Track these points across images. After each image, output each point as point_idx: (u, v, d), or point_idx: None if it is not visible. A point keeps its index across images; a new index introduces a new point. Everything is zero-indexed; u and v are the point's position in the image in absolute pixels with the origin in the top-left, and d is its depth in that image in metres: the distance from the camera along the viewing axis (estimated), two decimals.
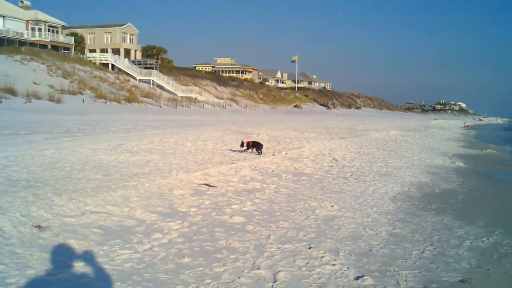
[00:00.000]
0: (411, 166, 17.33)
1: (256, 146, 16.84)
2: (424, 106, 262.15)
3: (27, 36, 67.87)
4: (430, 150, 23.74)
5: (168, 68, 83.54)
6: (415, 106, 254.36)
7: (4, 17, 66.28)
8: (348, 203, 10.54)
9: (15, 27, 66.84)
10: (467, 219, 9.74)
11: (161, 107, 55.88)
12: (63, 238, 6.50)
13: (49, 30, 70.80)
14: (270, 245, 7.13)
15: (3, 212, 6.95)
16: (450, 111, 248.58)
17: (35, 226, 6.73)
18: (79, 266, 5.73)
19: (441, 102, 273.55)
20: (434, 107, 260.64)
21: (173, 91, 68.32)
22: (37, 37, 68.70)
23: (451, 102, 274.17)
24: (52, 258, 5.82)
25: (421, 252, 7.38)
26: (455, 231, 8.77)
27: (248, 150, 16.74)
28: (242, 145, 16.76)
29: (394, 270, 6.49)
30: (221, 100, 75.40)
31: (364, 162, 17.41)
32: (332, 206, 10.12)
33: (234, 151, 16.85)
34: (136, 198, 9.05)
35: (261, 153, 16.67)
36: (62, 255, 5.97)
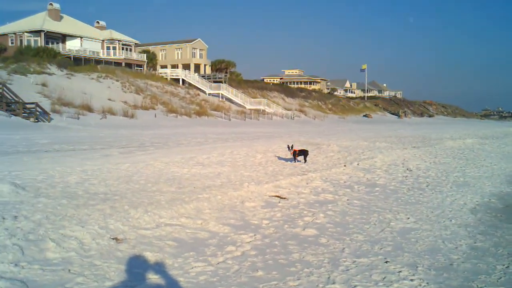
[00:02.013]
0: (490, 176, 16.52)
1: (303, 154, 17.08)
2: (502, 112, 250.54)
3: (102, 54, 71.04)
4: (511, 159, 22.60)
5: (237, 82, 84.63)
6: (492, 113, 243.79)
7: (81, 37, 69.67)
8: (424, 215, 10.14)
9: (91, 47, 70.10)
10: None
11: (230, 119, 56.62)
12: (139, 250, 6.62)
13: (122, 48, 73.69)
14: (344, 259, 6.95)
15: (83, 224, 7.17)
16: None
17: (113, 239, 6.90)
18: (155, 278, 5.80)
19: None
20: None
21: (242, 104, 69.10)
22: (112, 56, 71.74)
23: None
24: (129, 270, 5.93)
25: (506, 267, 6.94)
26: None
27: (298, 159, 17.05)
28: (289, 148, 17.08)
29: (478, 286, 6.13)
30: (289, 112, 75.45)
31: (440, 172, 16.79)
32: (408, 218, 9.78)
33: (286, 159, 16.99)
34: (209, 211, 9.12)
35: (306, 160, 16.85)
36: (138, 267, 6.07)
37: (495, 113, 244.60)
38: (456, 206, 11.19)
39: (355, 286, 5.89)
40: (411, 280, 6.19)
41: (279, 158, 17.90)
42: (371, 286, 5.95)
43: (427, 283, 6.11)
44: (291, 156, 16.99)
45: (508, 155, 24.55)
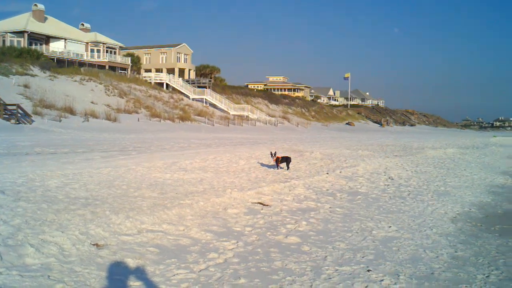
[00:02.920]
0: (471, 185, 16.69)
1: (286, 161, 17.07)
2: (482, 123, 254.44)
3: (86, 57, 70.65)
4: (491, 169, 22.85)
5: (221, 87, 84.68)
6: (472, 123, 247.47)
7: (65, 39, 69.16)
8: (406, 224, 10.20)
9: (75, 49, 69.67)
10: None
11: (213, 125, 56.56)
12: (120, 257, 6.55)
13: (107, 51, 73.33)
14: (327, 267, 6.95)
15: (63, 229, 7.08)
16: (510, 128, 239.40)
17: (93, 244, 6.82)
18: (136, 286, 5.74)
19: (500, 118, 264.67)
20: (492, 124, 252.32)
21: (226, 109, 69.13)
22: (96, 58, 71.36)
23: (511, 119, 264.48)
24: (110, 277, 5.86)
25: (486, 276, 6.99)
26: None
27: (281, 165, 17.02)
28: (272, 155, 17.04)
29: None
30: (272, 118, 75.66)
31: (421, 181, 16.92)
32: (390, 226, 9.82)
33: (269, 166, 16.99)
34: (191, 217, 9.07)
35: (289, 167, 16.83)
36: (119, 274, 6.00)
37: (475, 123, 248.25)
38: (437, 215, 11.28)
39: None
40: None
41: (262, 164, 17.90)
42: None
43: None
44: (274, 163, 16.98)
45: (487, 165, 24.86)
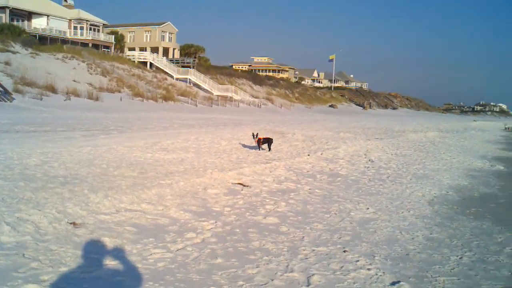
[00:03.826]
0: (449, 169, 16.89)
1: (268, 142, 17.21)
2: (463, 107, 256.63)
3: (69, 34, 69.49)
4: (469, 153, 23.14)
5: (205, 67, 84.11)
6: (454, 107, 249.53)
7: (48, 16, 67.97)
8: (384, 206, 10.31)
9: (58, 26, 68.48)
10: (508, 225, 9.36)
11: (196, 105, 56.35)
12: (97, 236, 6.55)
13: (90, 29, 72.27)
14: (304, 247, 7.01)
15: (40, 208, 7.05)
16: (490, 112, 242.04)
17: (70, 223, 6.80)
18: (113, 264, 5.74)
19: (481, 103, 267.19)
20: (473, 108, 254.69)
21: (209, 90, 68.78)
22: (79, 36, 70.27)
23: (491, 103, 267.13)
24: (86, 256, 5.85)
25: (460, 258, 7.12)
26: (495, 237, 8.45)
27: (262, 147, 17.14)
28: (254, 136, 17.12)
29: (432, 276, 6.28)
30: (256, 99, 75.53)
31: (400, 163, 17.08)
32: (368, 208, 9.92)
33: (250, 147, 17.05)
34: (171, 197, 9.07)
35: (270, 149, 16.99)
36: (95, 253, 5.99)
37: (456, 107, 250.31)
38: (415, 198, 11.41)
39: (313, 275, 5.95)
40: (368, 269, 6.29)
41: (244, 145, 17.93)
42: (328, 274, 6.02)
43: (383, 272, 6.22)
44: (256, 144, 17.01)
45: (466, 149, 25.18)
